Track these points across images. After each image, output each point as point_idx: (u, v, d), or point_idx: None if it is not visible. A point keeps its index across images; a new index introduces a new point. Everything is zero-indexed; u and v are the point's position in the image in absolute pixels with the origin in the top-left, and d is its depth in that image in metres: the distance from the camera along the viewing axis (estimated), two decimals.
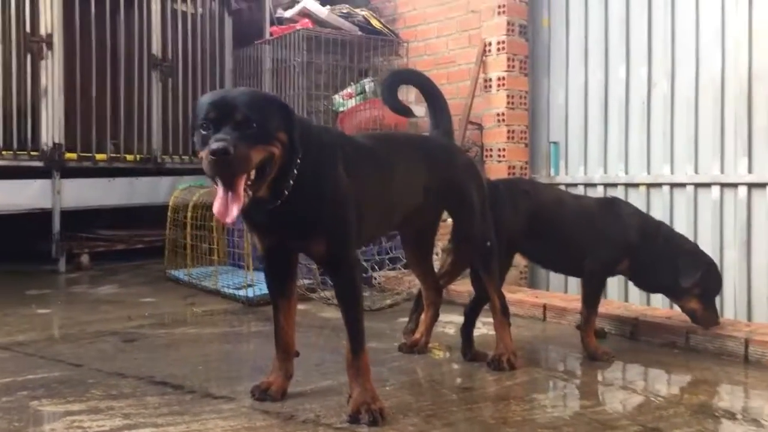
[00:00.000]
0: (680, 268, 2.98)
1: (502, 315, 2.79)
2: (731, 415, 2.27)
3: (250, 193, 2.01)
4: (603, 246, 3.02)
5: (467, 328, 2.89)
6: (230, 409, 2.25)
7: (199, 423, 2.12)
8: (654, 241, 3.05)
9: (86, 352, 2.96)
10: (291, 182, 2.12)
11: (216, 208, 1.99)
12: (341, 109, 5.37)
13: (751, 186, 4.00)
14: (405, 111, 2.89)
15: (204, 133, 2.01)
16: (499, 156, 5.00)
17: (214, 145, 1.92)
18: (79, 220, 5.39)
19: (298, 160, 2.13)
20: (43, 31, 4.96)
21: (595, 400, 2.46)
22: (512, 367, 2.72)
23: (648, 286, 3.27)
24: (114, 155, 5.37)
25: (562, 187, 4.86)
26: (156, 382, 2.54)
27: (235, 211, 1.97)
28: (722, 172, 4.13)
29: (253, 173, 2.02)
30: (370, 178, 2.37)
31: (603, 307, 3.46)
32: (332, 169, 2.22)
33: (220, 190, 1.99)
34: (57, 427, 2.11)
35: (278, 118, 2.08)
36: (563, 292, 4.48)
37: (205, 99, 2.09)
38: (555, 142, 4.99)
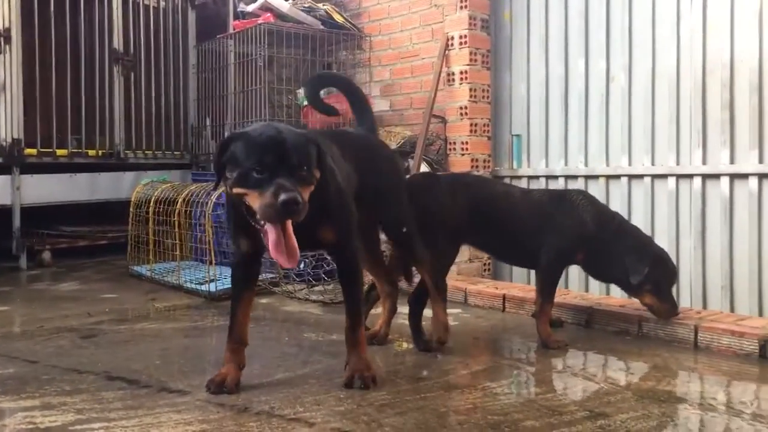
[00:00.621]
0: (628, 266, 3.03)
1: (435, 292, 2.88)
2: (676, 400, 2.33)
3: None
4: (558, 238, 3.07)
5: (414, 319, 2.94)
6: (185, 403, 2.26)
7: (152, 417, 2.13)
8: (609, 232, 3.10)
9: (43, 349, 2.94)
10: None
11: (278, 255, 2.10)
12: (305, 103, 5.36)
13: (705, 177, 4.09)
14: (329, 110, 3.05)
15: (258, 176, 2.07)
16: (463, 149, 5.04)
17: (284, 195, 2.01)
18: (43, 216, 5.33)
19: None
20: (0, 25, 4.88)
21: (546, 387, 2.52)
22: (441, 343, 2.86)
23: (603, 277, 3.34)
24: (75, 150, 5.31)
25: (525, 180, 4.95)
26: (112, 377, 2.54)
27: (292, 260, 2.12)
28: (678, 163, 4.21)
29: None
30: (342, 171, 2.51)
31: (560, 297, 3.54)
32: (326, 166, 2.34)
33: (273, 233, 2.09)
34: (9, 423, 2.10)
35: (315, 157, 2.22)
36: (527, 283, 4.54)
37: (255, 140, 2.13)
38: (517, 135, 5.04)
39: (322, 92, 3.15)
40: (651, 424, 2.09)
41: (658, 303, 3.05)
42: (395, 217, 2.84)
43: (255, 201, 2.07)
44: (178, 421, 2.09)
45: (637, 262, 3.03)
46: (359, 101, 3.04)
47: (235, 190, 2.13)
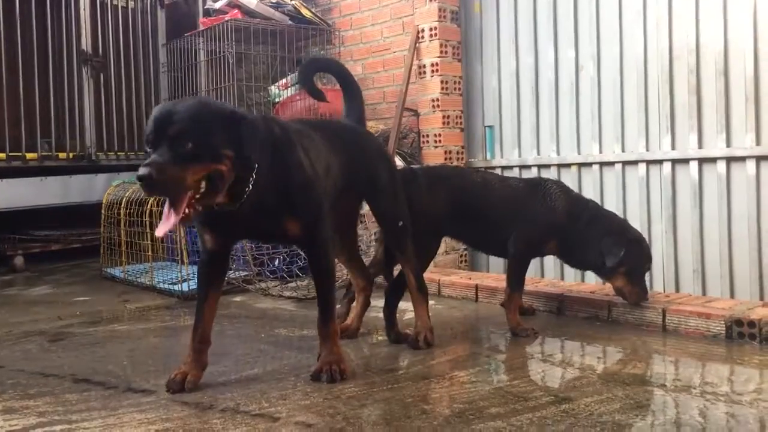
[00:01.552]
0: (604, 249, 3.03)
1: (419, 293, 2.84)
2: (641, 382, 2.35)
3: (199, 208, 2.08)
4: (528, 227, 3.07)
5: (389, 310, 2.93)
6: (149, 402, 2.23)
7: (115, 417, 2.11)
8: (581, 221, 3.10)
9: (9, 354, 2.91)
10: (252, 179, 2.17)
11: (159, 224, 2.06)
12: (277, 99, 5.34)
13: (674, 162, 4.12)
14: (320, 95, 2.95)
15: (148, 150, 2.04)
16: (436, 141, 5.05)
17: (140, 170, 1.96)
18: (15, 221, 5.27)
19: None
20: None
21: (514, 375, 2.52)
22: (428, 344, 2.77)
23: (577, 264, 3.33)
24: (46, 154, 5.25)
25: (498, 170, 4.95)
26: (78, 379, 2.51)
27: (163, 228, 2.04)
28: (647, 149, 4.24)
29: (204, 186, 2.06)
30: (317, 162, 2.46)
31: (532, 285, 3.55)
32: (293, 155, 2.30)
33: (165, 206, 2.05)
34: None
35: (223, 133, 2.07)
36: (502, 273, 4.54)
37: (152, 114, 2.10)
38: (490, 126, 5.05)
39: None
40: (614, 406, 2.10)
41: (630, 287, 3.06)
42: (393, 211, 2.82)
43: None
44: (141, 421, 2.07)
45: (613, 245, 3.02)
46: (351, 90, 2.99)
47: None
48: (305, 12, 5.30)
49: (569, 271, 4.37)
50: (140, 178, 1.96)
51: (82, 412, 2.17)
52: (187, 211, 2.03)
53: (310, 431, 1.97)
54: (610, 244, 3.03)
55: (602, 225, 3.10)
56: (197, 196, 2.05)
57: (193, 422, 2.05)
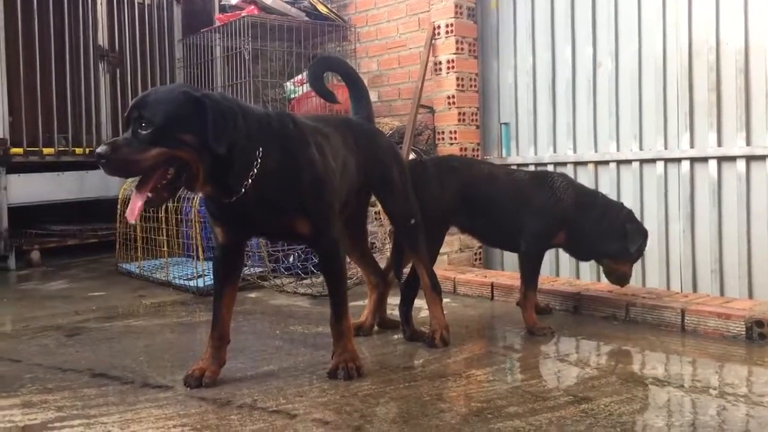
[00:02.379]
0: (628, 234, 3.05)
1: (433, 291, 2.83)
2: (660, 382, 2.32)
3: (165, 194, 2.09)
4: (536, 220, 3.04)
5: (404, 307, 2.91)
6: (166, 398, 2.24)
7: (132, 412, 2.11)
8: (591, 211, 3.09)
9: (27, 348, 2.92)
10: (253, 174, 2.15)
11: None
12: (293, 95, 5.34)
13: (693, 160, 4.07)
14: (330, 96, 2.93)
15: None
16: (451, 138, 5.02)
17: (98, 148, 2.04)
18: (32, 216, 5.31)
19: (260, 151, 2.17)
20: None
21: (531, 374, 2.50)
22: (445, 343, 2.76)
23: (586, 254, 3.28)
24: (62, 149, 5.28)
25: (514, 167, 4.91)
26: (95, 374, 2.52)
27: (128, 211, 2.07)
28: (666, 147, 4.19)
29: (172, 172, 2.07)
30: (334, 160, 2.44)
31: (549, 284, 3.53)
32: (305, 152, 2.29)
33: (134, 191, 2.10)
34: None
35: (186, 119, 2.05)
36: (516, 271, 4.51)
37: None
38: (506, 123, 5.02)
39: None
40: (634, 407, 2.08)
41: (629, 273, 3.14)
42: (404, 209, 2.81)
43: None
44: (158, 416, 2.08)
45: (636, 232, 3.08)
46: (358, 89, 2.98)
47: None
48: (321, 8, 5.29)
49: (585, 269, 4.35)
50: (96, 156, 2.01)
51: (100, 407, 2.17)
52: (150, 194, 2.06)
53: (328, 428, 1.97)
54: (634, 232, 3.07)
55: (617, 214, 3.12)
56: (163, 181, 2.06)
57: (210, 418, 2.06)
